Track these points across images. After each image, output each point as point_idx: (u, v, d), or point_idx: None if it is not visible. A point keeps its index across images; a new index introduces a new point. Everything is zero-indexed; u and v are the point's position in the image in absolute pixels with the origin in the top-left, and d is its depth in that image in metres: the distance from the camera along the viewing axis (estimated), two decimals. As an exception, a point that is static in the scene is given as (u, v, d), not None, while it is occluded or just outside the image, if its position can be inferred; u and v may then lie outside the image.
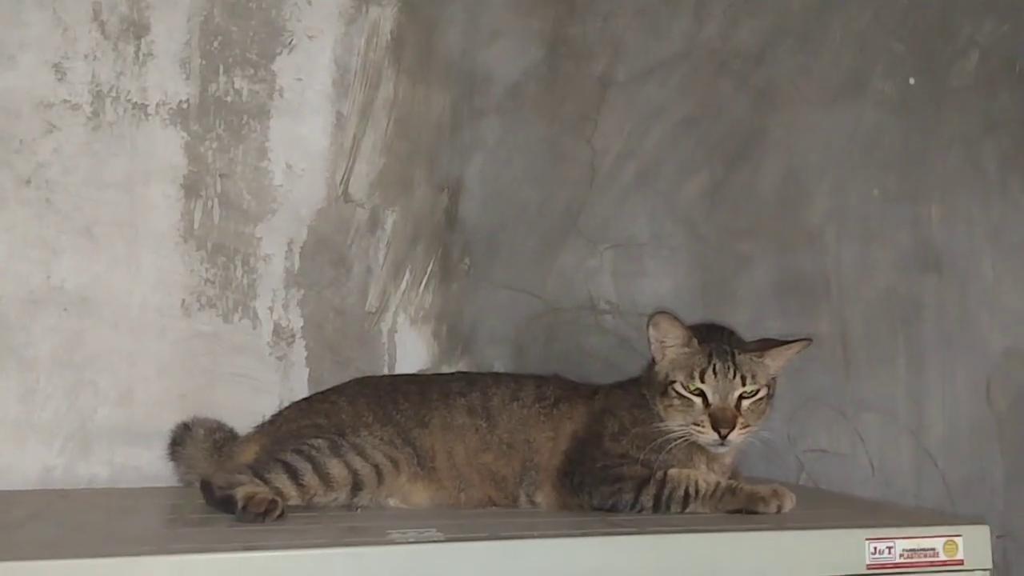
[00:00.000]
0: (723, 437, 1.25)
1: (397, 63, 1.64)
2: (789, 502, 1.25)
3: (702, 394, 1.28)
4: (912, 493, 1.80)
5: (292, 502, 1.23)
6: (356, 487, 1.27)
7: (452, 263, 1.65)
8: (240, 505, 1.16)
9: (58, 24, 1.50)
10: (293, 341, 1.57)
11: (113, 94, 1.52)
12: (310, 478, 1.25)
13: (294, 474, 1.24)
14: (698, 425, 1.27)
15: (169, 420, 1.45)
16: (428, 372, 1.58)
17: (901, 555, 1.12)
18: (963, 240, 1.85)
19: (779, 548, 1.11)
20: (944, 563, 1.13)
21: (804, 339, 1.34)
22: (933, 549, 1.13)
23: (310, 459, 1.26)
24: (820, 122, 1.83)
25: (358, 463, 1.27)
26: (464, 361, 1.63)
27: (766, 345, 1.33)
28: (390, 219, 1.62)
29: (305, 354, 1.57)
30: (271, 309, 1.56)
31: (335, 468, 1.26)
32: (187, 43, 1.55)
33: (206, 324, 1.53)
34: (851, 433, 1.80)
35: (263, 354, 1.55)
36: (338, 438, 1.31)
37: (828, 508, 1.40)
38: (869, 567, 1.11)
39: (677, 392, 1.29)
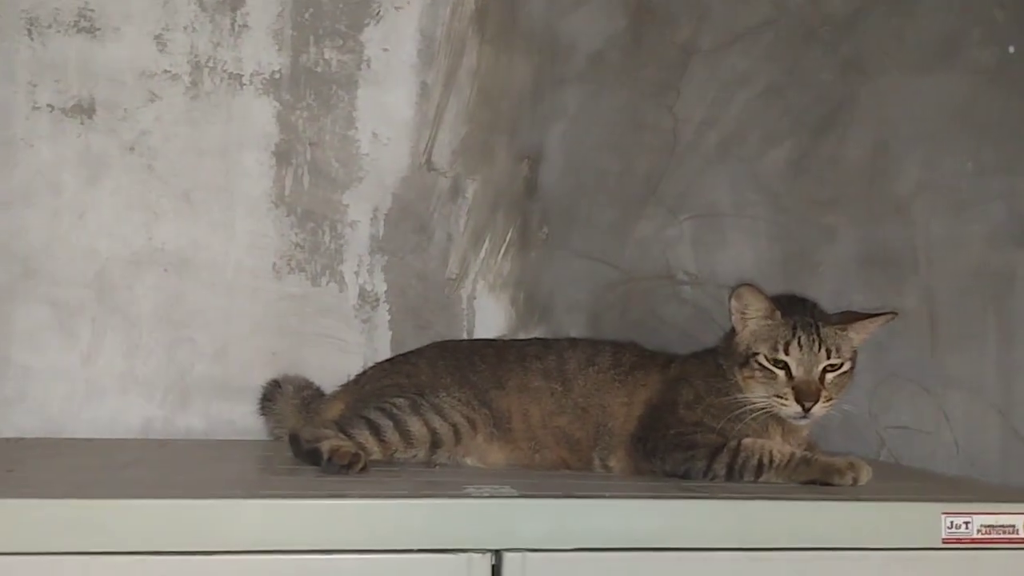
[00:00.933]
0: (806, 410, 1.25)
1: (480, 32, 1.66)
2: (865, 474, 1.24)
3: (786, 366, 1.27)
4: (998, 474, 1.76)
5: (374, 457, 1.27)
6: (435, 445, 1.31)
7: (531, 231, 1.67)
8: (326, 457, 1.21)
9: (157, -4, 1.57)
10: (377, 305, 1.62)
11: (210, 64, 1.59)
12: (391, 435, 1.30)
13: (376, 430, 1.29)
14: (781, 397, 1.27)
15: (260, 377, 1.52)
16: (505, 338, 1.61)
17: (979, 531, 1.11)
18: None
19: (852, 519, 1.11)
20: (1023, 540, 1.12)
21: (889, 312, 1.32)
22: (1012, 526, 1.12)
23: (392, 417, 1.31)
24: (912, 91, 1.78)
25: (437, 422, 1.32)
26: (541, 328, 1.66)
27: (850, 318, 1.32)
28: (471, 187, 1.66)
29: (388, 317, 1.62)
30: (356, 273, 1.61)
31: (415, 426, 1.31)
32: (280, 14, 1.61)
33: (295, 286, 1.60)
34: (935, 410, 1.76)
35: (349, 317, 1.61)
36: (418, 398, 1.35)
37: (906, 482, 1.39)
38: (945, 541, 1.10)
39: (760, 364, 1.29)
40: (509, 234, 1.67)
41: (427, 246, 1.64)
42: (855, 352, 1.32)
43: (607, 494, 1.11)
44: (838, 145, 1.76)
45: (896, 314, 1.32)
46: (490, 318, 1.65)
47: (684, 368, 1.40)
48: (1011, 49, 1.77)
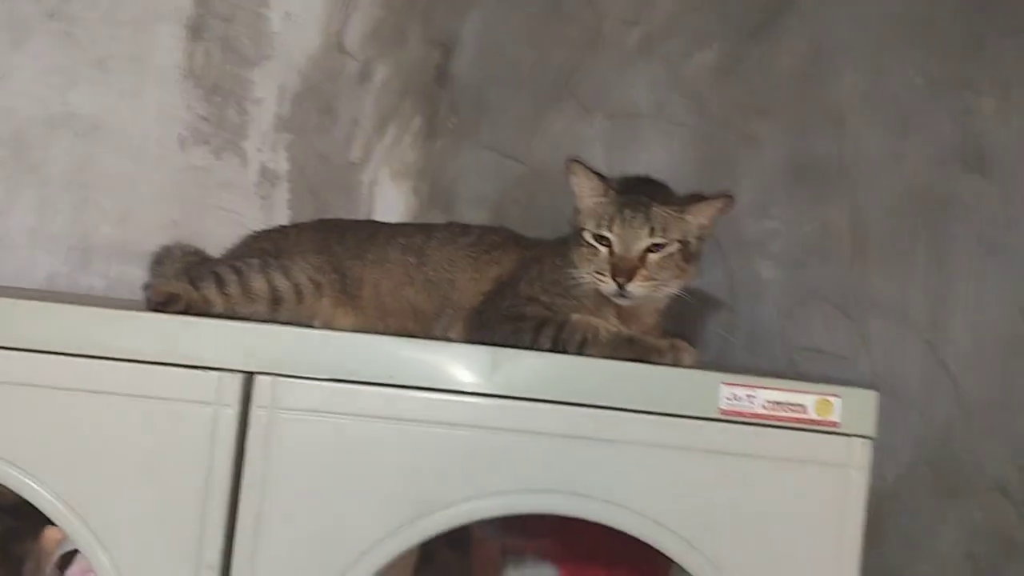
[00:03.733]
0: (621, 287, 1.21)
1: (399, -85, 1.66)
2: (688, 356, 1.20)
3: (609, 243, 1.24)
4: (918, 408, 1.66)
5: (216, 309, 1.30)
6: (274, 302, 1.33)
7: (439, 120, 1.66)
8: (151, 297, 1.25)
9: None
10: (277, 182, 1.64)
11: (128, -63, 1.63)
12: (233, 288, 1.32)
13: (220, 283, 1.32)
14: (600, 273, 1.23)
15: (159, 243, 1.56)
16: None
17: (764, 406, 1.05)
18: (1018, 139, 1.66)
19: (627, 379, 1.08)
20: (814, 422, 1.06)
21: (724, 195, 1.26)
22: (802, 406, 1.06)
23: (237, 272, 1.34)
24: (862, -5, 1.68)
25: (279, 280, 1.34)
26: (442, 219, 1.65)
27: (688, 200, 1.26)
28: (380, 72, 1.66)
29: (288, 196, 1.64)
30: (259, 150, 1.64)
31: (257, 282, 1.33)
32: None
33: (199, 159, 1.64)
34: (854, 335, 1.67)
35: (248, 192, 1.64)
36: (271, 259, 1.38)
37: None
38: (723, 412, 1.05)
39: (585, 240, 1.26)
40: (416, 122, 1.66)
41: (331, 128, 1.65)
42: (698, 238, 1.27)
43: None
44: (771, 50, 1.68)
45: (731, 198, 1.25)
46: (390, 206, 1.65)
47: (542, 249, 1.37)
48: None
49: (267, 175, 1.64)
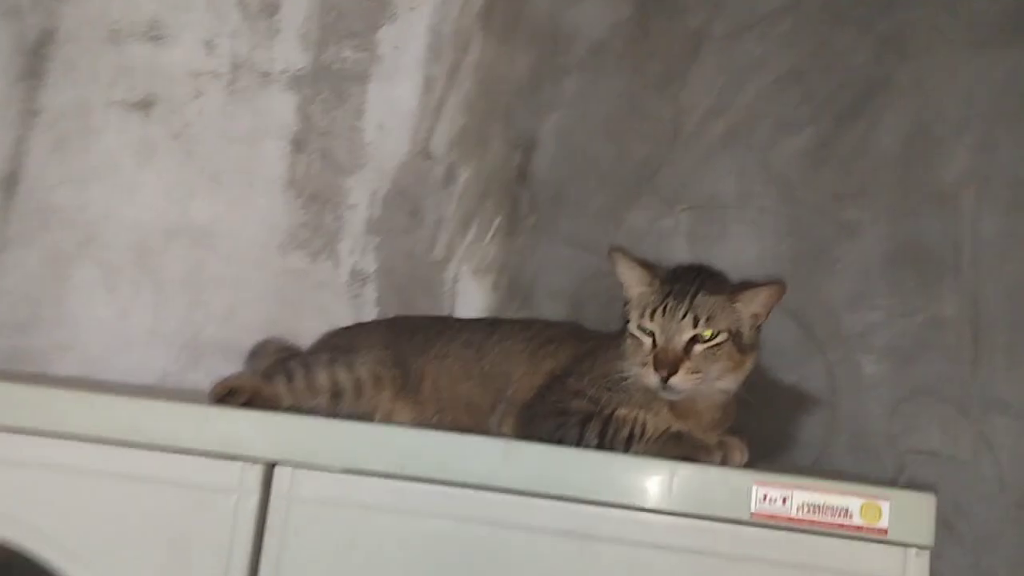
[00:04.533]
0: (664, 380, 1.15)
1: (486, 27, 1.73)
2: (738, 455, 1.12)
3: (652, 334, 1.19)
4: (1060, 522, 1.45)
5: (285, 402, 1.36)
6: (335, 395, 1.36)
7: (519, 218, 1.68)
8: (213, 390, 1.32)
9: (212, 8, 1.82)
10: (366, 282, 1.71)
11: (247, 64, 1.80)
12: (299, 382, 1.37)
13: (289, 377, 1.38)
14: (644, 366, 1.18)
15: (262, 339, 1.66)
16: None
17: (799, 509, 0.95)
18: None
19: (650, 476, 1.01)
20: (859, 528, 0.94)
21: (775, 281, 1.18)
22: (845, 509, 0.95)
23: (305, 367, 1.39)
24: (964, 69, 1.57)
25: (342, 375, 1.37)
26: (522, 314, 1.64)
27: (739, 288, 1.19)
28: (463, 174, 1.70)
29: (376, 295, 1.70)
30: (351, 252, 1.72)
31: (321, 377, 1.37)
32: (308, 18, 1.79)
33: (297, 262, 1.73)
34: (974, 436, 1.49)
35: (340, 292, 1.71)
36: (339, 354, 1.42)
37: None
38: (755, 515, 0.96)
39: (631, 332, 1.21)
40: (497, 220, 1.69)
41: (417, 229, 1.71)
42: (752, 328, 1.19)
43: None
44: (866, 132, 1.59)
45: (782, 283, 1.17)
46: (471, 301, 1.67)
47: (597, 342, 1.33)
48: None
49: (357, 275, 1.71)
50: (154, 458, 1.07)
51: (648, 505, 0.99)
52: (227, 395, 1.30)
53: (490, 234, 1.68)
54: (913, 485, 1.49)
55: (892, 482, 1.50)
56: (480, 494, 1.02)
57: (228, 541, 1.04)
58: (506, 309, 1.66)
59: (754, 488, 0.97)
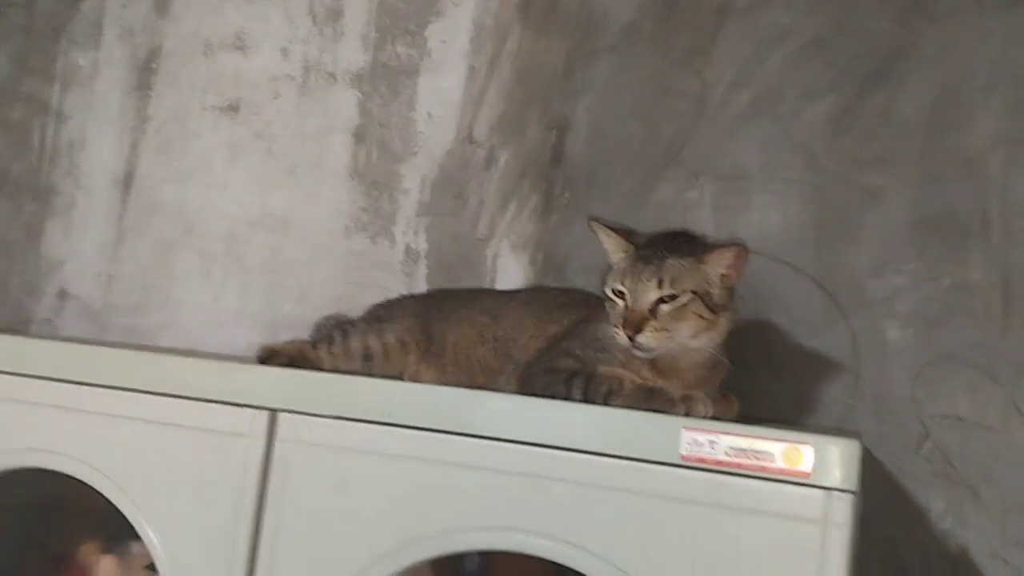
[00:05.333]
0: (631, 339, 1.22)
1: (523, 18, 1.83)
2: (702, 408, 1.18)
3: (624, 296, 1.26)
4: (1095, 490, 1.40)
5: (326, 365, 1.53)
6: (366, 359, 1.52)
7: (554, 197, 1.77)
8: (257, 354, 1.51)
9: (287, 18, 2.02)
10: (418, 260, 1.85)
11: (316, 67, 1.98)
12: (338, 347, 1.54)
13: (330, 343, 1.55)
14: (616, 327, 1.25)
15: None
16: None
17: (727, 452, 1.01)
18: None
19: (597, 424, 1.09)
20: (782, 471, 0.99)
21: (735, 243, 1.22)
22: (768, 453, 1.00)
23: (344, 334, 1.56)
24: (992, 30, 1.53)
25: (373, 341, 1.53)
26: (556, 285, 1.74)
27: (705, 250, 1.25)
28: (503, 157, 1.82)
29: (426, 272, 1.84)
30: (404, 233, 1.87)
31: (355, 342, 1.53)
32: (367, 21, 1.95)
33: (359, 244, 1.90)
34: (1004, 402, 1.46)
35: (396, 270, 1.87)
36: (374, 322, 1.58)
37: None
38: (684, 458, 1.03)
39: (606, 294, 1.29)
40: (534, 199, 1.79)
41: (462, 210, 1.83)
42: (724, 288, 1.24)
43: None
44: (891, 98, 1.58)
45: (743, 245, 1.21)
46: (510, 275, 1.78)
47: (598, 308, 1.41)
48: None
49: (410, 254, 1.86)
50: (179, 405, 1.25)
51: (589, 447, 1.07)
52: (268, 357, 1.48)
53: (527, 213, 1.79)
54: (938, 451, 1.48)
55: (917, 448, 1.50)
56: (448, 438, 1.14)
57: (240, 479, 1.21)
58: (542, 282, 1.75)
59: (683, 432, 1.03)
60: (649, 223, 1.66)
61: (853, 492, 0.98)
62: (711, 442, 1.02)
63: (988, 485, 1.45)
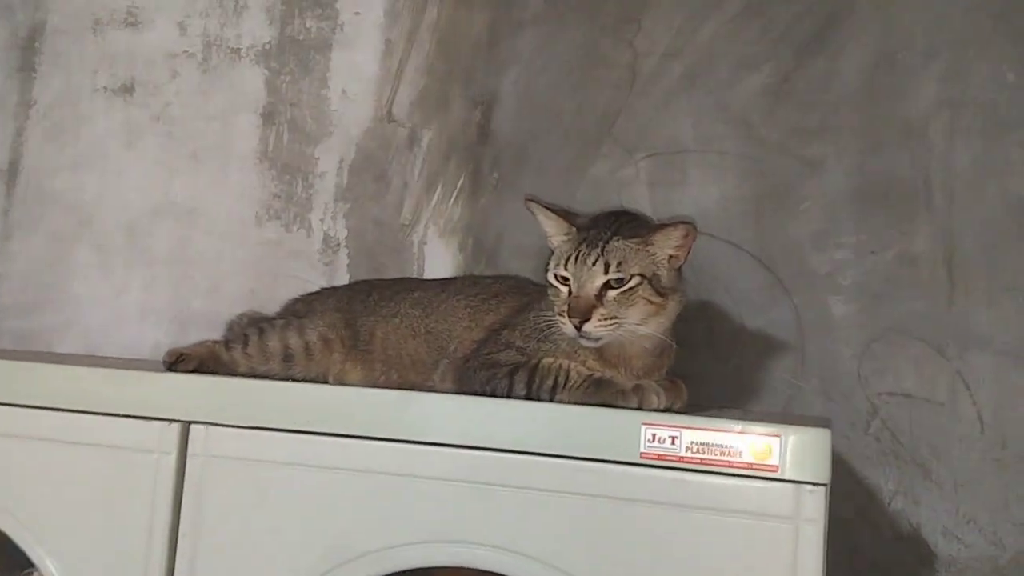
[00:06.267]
0: (578, 328, 1.14)
1: (442, -13, 1.72)
2: (655, 398, 1.10)
3: (568, 283, 1.17)
4: (1043, 461, 1.38)
5: (241, 367, 1.40)
6: (286, 359, 1.39)
7: (482, 177, 1.67)
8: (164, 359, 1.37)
9: (183, -11, 1.86)
10: (338, 249, 1.73)
11: (218, 43, 1.83)
12: (253, 348, 1.41)
13: (245, 343, 1.42)
14: (561, 315, 1.17)
15: (240, 310, 1.70)
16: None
17: (688, 448, 0.94)
18: None
19: (540, 421, 1.00)
20: (749, 466, 0.92)
21: (682, 221, 1.15)
22: (734, 448, 0.93)
23: (260, 333, 1.43)
24: (931, -7, 1.49)
25: (293, 339, 1.40)
26: (489, 272, 1.64)
27: (651, 230, 1.17)
28: (426, 136, 1.71)
29: (347, 261, 1.73)
30: (322, 220, 1.74)
31: (272, 341, 1.40)
32: (272, -8, 1.81)
33: (272, 232, 1.77)
34: (951, 376, 1.43)
35: (314, 260, 1.74)
36: (293, 318, 1.45)
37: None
38: (644, 456, 0.95)
39: (549, 281, 1.20)
40: (461, 180, 1.68)
41: (385, 194, 1.72)
42: (671, 270, 1.16)
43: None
44: (829, 65, 1.53)
45: (691, 223, 1.14)
46: (439, 262, 1.68)
47: (537, 295, 1.32)
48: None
49: (329, 243, 1.74)
50: (79, 421, 1.12)
51: (537, 449, 0.98)
52: (176, 362, 1.34)
53: (455, 195, 1.69)
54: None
55: (865, 427, 1.46)
56: (377, 445, 1.03)
57: (151, 498, 1.08)
58: (473, 269, 1.66)
59: (642, 428, 0.95)
60: (585, 202, 1.60)
61: (825, 485, 0.91)
62: (672, 438, 0.94)
63: (938, 462, 1.42)
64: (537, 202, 1.23)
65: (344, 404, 1.07)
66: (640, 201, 1.58)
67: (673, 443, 0.94)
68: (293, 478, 1.05)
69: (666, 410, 1.10)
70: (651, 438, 0.94)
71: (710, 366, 1.52)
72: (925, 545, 1.41)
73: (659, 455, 0.94)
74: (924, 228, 1.47)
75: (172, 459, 1.09)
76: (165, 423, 1.09)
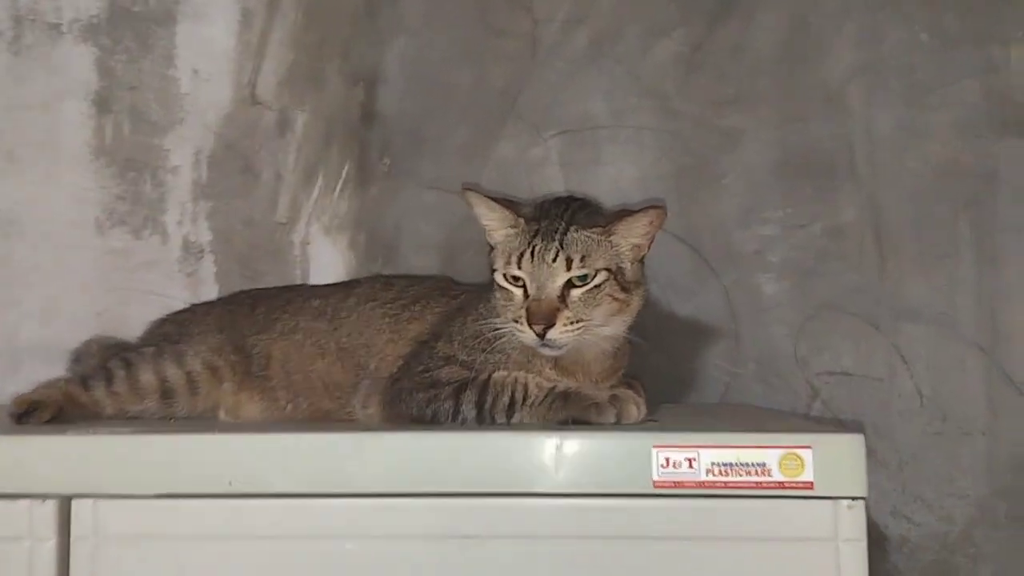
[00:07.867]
0: (541, 335, 0.98)
1: (305, -53, 1.49)
2: (634, 409, 0.96)
3: (523, 284, 1.01)
4: (982, 430, 1.36)
5: (108, 411, 1.16)
6: (165, 396, 1.17)
7: (370, 164, 1.47)
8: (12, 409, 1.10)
9: (-23, -49, 1.53)
10: (202, 256, 1.48)
11: (31, 17, 1.52)
12: (120, 385, 1.17)
13: (109, 380, 1.18)
14: (518, 322, 1.00)
15: (86, 337, 1.42)
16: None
17: (708, 471, 0.80)
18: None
19: (540, 455, 0.84)
20: (780, 485, 0.80)
21: (652, 206, 1.02)
22: (762, 465, 0.80)
23: (128, 366, 1.19)
24: (839, -47, 1.42)
25: (171, 371, 1.17)
26: (387, 272, 1.45)
27: (612, 218, 1.03)
28: (300, 120, 1.48)
29: (214, 269, 1.48)
30: (180, 223, 1.49)
31: (145, 375, 1.17)
32: (95, -46, 1.52)
33: (118, 240, 1.49)
34: (888, 350, 1.39)
35: (172, 270, 1.48)
36: (168, 345, 1.21)
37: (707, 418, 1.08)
38: (657, 484, 0.81)
39: (499, 282, 1.04)
40: (345, 169, 1.48)
41: (254, 188, 1.48)
42: (634, 262, 1.03)
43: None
44: (742, 30, 1.44)
45: (662, 207, 1.01)
46: (327, 264, 1.47)
47: (468, 297, 1.16)
48: None
49: (190, 249, 1.48)
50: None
51: (533, 489, 0.82)
52: (28, 412, 1.08)
53: (339, 185, 1.48)
54: (836, 423, 1.38)
55: (806, 410, 1.39)
56: (329, 502, 0.84)
57: (25, 598, 0.83)
58: (370, 269, 1.46)
59: (654, 453, 0.81)
60: (492, 185, 1.44)
61: (863, 498, 0.81)
62: (689, 460, 0.80)
63: (882, 440, 1.38)
64: (476, 191, 1.06)
65: (268, 454, 0.86)
66: (554, 183, 1.44)
67: (691, 466, 0.80)
68: (210, 554, 0.84)
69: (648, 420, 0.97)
70: (665, 463, 0.81)
71: (642, 358, 1.40)
72: (875, 528, 1.36)
73: (676, 482, 0.80)
74: (850, 199, 1.41)
75: (51, 545, 0.84)
76: (38, 500, 0.84)
